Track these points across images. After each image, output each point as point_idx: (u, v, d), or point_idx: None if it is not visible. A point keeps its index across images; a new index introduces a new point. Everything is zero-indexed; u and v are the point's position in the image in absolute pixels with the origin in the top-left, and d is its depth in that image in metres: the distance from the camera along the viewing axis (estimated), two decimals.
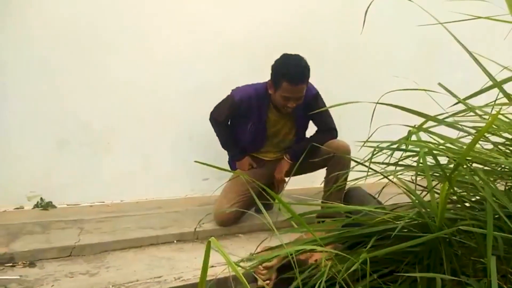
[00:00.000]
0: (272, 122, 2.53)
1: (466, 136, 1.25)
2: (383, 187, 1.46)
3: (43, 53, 2.60)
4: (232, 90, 2.50)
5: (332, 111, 2.51)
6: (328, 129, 2.53)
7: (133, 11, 2.80)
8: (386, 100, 1.34)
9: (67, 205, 2.75)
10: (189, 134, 3.06)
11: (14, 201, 2.63)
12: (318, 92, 2.49)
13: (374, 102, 1.21)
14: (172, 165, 3.04)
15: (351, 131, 2.45)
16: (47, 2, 2.59)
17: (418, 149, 1.15)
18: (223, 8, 3.05)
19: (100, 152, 2.83)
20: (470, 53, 1.18)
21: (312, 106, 2.40)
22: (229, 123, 2.61)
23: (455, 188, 1.24)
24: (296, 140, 2.61)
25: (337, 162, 2.32)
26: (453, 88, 1.41)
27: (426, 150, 1.06)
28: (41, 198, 2.68)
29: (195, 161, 1.29)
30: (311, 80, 2.41)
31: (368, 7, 1.24)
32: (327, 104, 2.45)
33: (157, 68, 2.90)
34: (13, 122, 2.58)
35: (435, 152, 1.10)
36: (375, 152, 1.21)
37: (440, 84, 1.40)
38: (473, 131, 1.30)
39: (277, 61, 2.35)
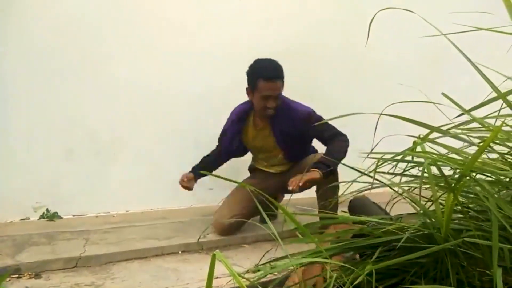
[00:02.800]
0: (250, 135, 2.59)
1: (471, 146, 1.25)
2: (390, 201, 1.45)
3: (49, 63, 2.64)
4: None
5: (336, 121, 2.50)
6: (334, 134, 2.44)
7: (139, 19, 2.83)
8: (391, 109, 1.35)
9: (73, 215, 2.76)
10: (195, 143, 3.06)
11: (21, 212, 2.65)
12: (311, 111, 2.45)
13: (378, 113, 1.21)
14: (178, 175, 3.03)
15: (355, 140, 2.46)
16: (51, 11, 2.62)
17: (422, 160, 1.15)
18: (229, 14, 3.07)
19: (106, 162, 2.85)
20: (474, 65, 1.18)
21: (307, 126, 2.38)
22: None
23: (460, 198, 1.23)
24: (288, 157, 2.61)
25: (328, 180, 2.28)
26: (459, 95, 1.41)
27: (430, 161, 1.06)
28: (47, 209, 2.70)
29: (201, 172, 1.29)
30: (316, 90, 2.41)
31: (372, 19, 1.25)
32: (330, 114, 2.44)
33: (162, 77, 2.93)
34: (20, 132, 2.61)
35: (439, 163, 1.10)
36: (379, 164, 1.21)
37: (444, 94, 1.40)
38: (478, 140, 1.30)
39: (250, 66, 2.44)
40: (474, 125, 1.31)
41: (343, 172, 2.29)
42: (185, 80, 2.99)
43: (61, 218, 2.71)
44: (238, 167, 2.90)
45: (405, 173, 1.36)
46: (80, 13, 2.67)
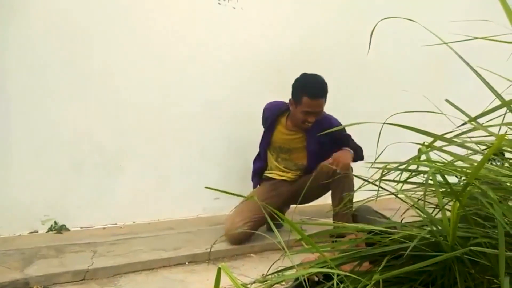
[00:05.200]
0: (280, 135, 2.65)
1: (476, 153, 1.25)
2: (397, 210, 1.45)
3: (56, 78, 2.67)
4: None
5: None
6: (356, 146, 2.59)
7: (143, 32, 2.86)
8: (395, 115, 1.35)
9: (81, 228, 2.77)
10: (200, 154, 3.08)
11: (29, 225, 2.66)
12: (342, 126, 2.51)
13: (381, 123, 1.21)
14: (184, 185, 3.07)
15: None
16: (57, 23, 2.65)
17: (427, 169, 1.15)
18: (231, 23, 3.09)
19: (113, 174, 2.86)
20: (478, 74, 1.18)
21: (336, 136, 2.49)
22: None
23: (465, 205, 1.23)
24: (309, 164, 2.64)
25: (341, 181, 2.35)
26: (464, 100, 1.41)
27: (435, 169, 1.06)
28: (55, 222, 2.71)
29: (206, 187, 1.29)
30: None
31: (374, 29, 1.26)
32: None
33: (167, 89, 2.95)
34: (27, 146, 2.63)
35: (444, 171, 1.10)
36: (384, 173, 1.21)
37: (447, 101, 1.40)
38: (483, 147, 1.30)
39: (297, 79, 2.52)
40: (479, 131, 1.31)
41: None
42: (190, 91, 3.01)
43: (69, 230, 2.72)
44: (247, 176, 2.91)
45: (410, 180, 1.36)
46: (86, 26, 2.70)
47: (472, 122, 1.14)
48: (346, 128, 2.52)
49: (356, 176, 1.42)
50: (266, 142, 2.70)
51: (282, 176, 2.73)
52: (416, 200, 1.39)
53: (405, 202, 1.39)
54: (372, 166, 1.19)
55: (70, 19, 2.68)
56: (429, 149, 1.26)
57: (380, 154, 1.44)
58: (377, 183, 1.32)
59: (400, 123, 1.40)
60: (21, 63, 2.58)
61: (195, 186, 3.04)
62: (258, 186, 2.81)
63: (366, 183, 1.35)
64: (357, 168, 1.67)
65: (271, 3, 3.21)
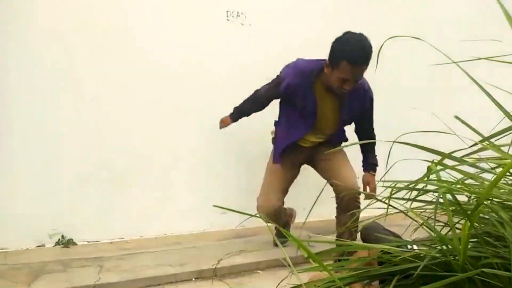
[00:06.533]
0: (319, 101, 2.39)
1: (486, 172, 1.24)
2: (407, 227, 1.44)
3: (63, 94, 2.70)
4: (285, 68, 2.44)
5: (348, 148, 2.53)
6: (373, 134, 2.55)
7: (151, 49, 2.89)
8: (404, 131, 1.34)
9: (88, 242, 2.77)
10: (207, 167, 3.08)
11: (36, 239, 2.67)
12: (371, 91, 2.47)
13: (391, 141, 1.21)
14: (190, 199, 3.06)
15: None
16: (60, 32, 2.68)
17: (437, 188, 1.14)
18: (241, 40, 3.12)
19: (120, 188, 2.87)
20: (488, 94, 1.18)
21: (367, 106, 2.44)
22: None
23: (476, 224, 1.21)
24: (338, 131, 2.53)
25: (348, 206, 2.35)
26: (472, 116, 1.40)
27: (446, 189, 1.05)
28: (62, 236, 2.72)
29: (214, 206, 1.29)
30: None
31: (381, 47, 1.27)
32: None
33: (175, 105, 2.97)
34: (35, 160, 2.65)
35: (454, 191, 1.09)
36: (393, 192, 1.20)
37: (456, 117, 1.39)
38: (493, 165, 1.29)
39: (338, 39, 2.18)
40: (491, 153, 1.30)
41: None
42: (196, 106, 3.02)
43: (76, 244, 2.72)
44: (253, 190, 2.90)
45: (420, 198, 1.35)
46: (95, 40, 2.74)
47: (483, 144, 1.14)
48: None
49: (364, 192, 1.41)
50: (310, 108, 2.38)
51: (305, 143, 2.55)
52: (426, 218, 1.38)
53: (415, 221, 1.38)
54: (382, 185, 1.18)
55: (75, 37, 2.73)
56: (438, 167, 1.26)
57: (388, 170, 1.44)
58: (386, 200, 1.32)
59: (408, 139, 1.40)
60: (26, 77, 2.61)
61: (202, 200, 3.04)
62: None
63: (375, 200, 1.35)
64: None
65: (279, 19, 3.24)
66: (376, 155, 2.55)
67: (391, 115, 3.37)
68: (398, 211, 1.37)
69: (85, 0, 2.72)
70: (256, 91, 2.62)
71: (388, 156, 1.21)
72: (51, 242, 2.70)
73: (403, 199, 1.36)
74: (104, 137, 2.81)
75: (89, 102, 2.76)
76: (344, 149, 2.60)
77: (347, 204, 2.36)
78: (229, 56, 3.10)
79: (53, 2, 2.64)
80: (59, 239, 2.71)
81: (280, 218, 2.60)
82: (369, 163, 2.53)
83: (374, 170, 2.52)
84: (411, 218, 1.37)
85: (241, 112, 2.69)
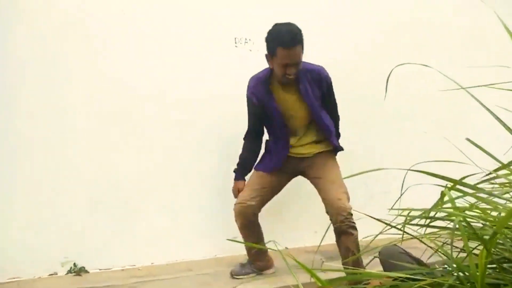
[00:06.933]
0: (281, 100, 2.49)
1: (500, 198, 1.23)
2: (423, 252, 1.42)
3: (73, 118, 2.74)
4: (247, 88, 2.59)
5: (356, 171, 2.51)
6: (337, 115, 2.64)
7: (160, 74, 2.93)
8: (417, 154, 1.34)
9: (99, 269, 2.77)
10: (217, 192, 3.07)
11: (48, 267, 2.67)
12: (322, 68, 2.54)
13: (405, 169, 1.21)
14: (201, 225, 3.05)
15: (386, 195, 2.42)
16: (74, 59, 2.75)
17: (451, 215, 1.14)
18: (249, 66, 3.10)
19: (131, 214, 2.88)
20: (498, 118, 1.19)
21: (328, 88, 2.52)
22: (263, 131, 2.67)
23: (493, 251, 1.20)
24: (315, 117, 2.52)
25: (340, 225, 2.34)
26: (482, 137, 1.38)
27: (461, 218, 1.05)
28: (74, 264, 2.72)
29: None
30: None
31: (390, 75, 1.28)
32: (354, 163, 2.47)
33: (182, 130, 2.98)
34: (45, 186, 2.68)
35: (470, 218, 1.08)
36: (408, 221, 1.19)
37: (468, 140, 1.39)
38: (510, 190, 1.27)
39: (268, 32, 2.36)
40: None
41: (370, 223, 2.28)
42: (207, 131, 3.04)
43: (88, 272, 2.72)
44: (265, 215, 2.88)
45: (434, 224, 1.34)
46: (107, 62, 2.81)
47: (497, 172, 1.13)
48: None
49: (378, 219, 1.41)
50: (276, 113, 2.47)
51: (297, 149, 2.56)
52: (441, 243, 1.36)
53: (430, 247, 1.37)
54: (398, 213, 1.17)
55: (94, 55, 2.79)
56: (452, 192, 1.25)
57: (401, 196, 1.44)
58: (399, 226, 1.31)
59: (419, 160, 1.40)
60: (36, 103, 2.66)
61: (212, 225, 3.02)
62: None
63: (388, 227, 1.34)
64: (379, 210, 1.65)
65: None
66: (339, 135, 2.65)
67: (401, 140, 3.36)
68: (412, 236, 1.36)
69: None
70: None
71: (402, 185, 1.21)
72: (63, 271, 2.70)
73: (417, 225, 1.35)
74: (114, 163, 2.84)
75: (98, 128, 2.80)
76: None
77: (340, 226, 2.34)
78: (238, 82, 3.13)
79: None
80: (71, 267, 2.71)
81: (250, 224, 2.55)
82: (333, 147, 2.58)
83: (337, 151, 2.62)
84: (425, 244, 1.36)
85: (243, 162, 2.68)
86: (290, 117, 2.51)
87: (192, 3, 3.02)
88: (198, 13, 3.02)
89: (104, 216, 2.80)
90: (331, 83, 2.54)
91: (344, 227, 2.33)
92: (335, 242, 2.82)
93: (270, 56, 2.38)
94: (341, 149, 2.62)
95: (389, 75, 1.32)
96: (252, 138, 2.65)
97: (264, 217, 2.83)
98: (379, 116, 3.45)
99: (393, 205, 1.43)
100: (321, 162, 2.54)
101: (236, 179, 2.67)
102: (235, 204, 2.57)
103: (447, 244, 1.33)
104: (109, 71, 2.82)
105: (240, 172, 2.67)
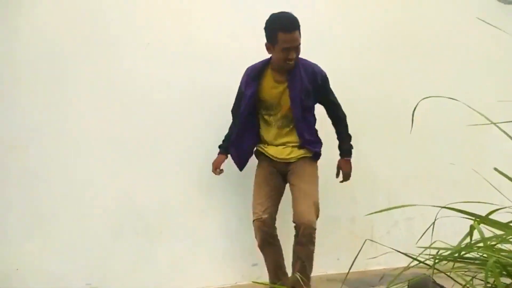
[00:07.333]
0: (267, 87, 2.59)
1: None
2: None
3: (95, 144, 2.80)
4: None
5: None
6: (341, 114, 2.70)
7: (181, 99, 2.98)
8: (445, 188, 1.32)
9: None
10: (238, 217, 3.06)
11: None
12: (326, 75, 2.63)
13: (438, 206, 1.19)
14: (221, 250, 3.04)
15: (409, 222, 2.36)
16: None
17: (483, 252, 1.11)
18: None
19: (151, 240, 2.89)
20: None
21: (322, 84, 2.59)
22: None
23: None
24: (296, 116, 2.58)
25: (300, 237, 2.46)
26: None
27: (494, 258, 1.02)
28: None
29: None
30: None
31: (415, 109, 1.28)
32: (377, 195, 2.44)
33: (200, 155, 2.98)
34: (67, 215, 2.72)
35: (502, 258, 1.06)
36: (437, 261, 1.17)
37: (496, 170, 1.37)
38: None
39: (267, 21, 2.49)
40: None
41: (395, 257, 2.24)
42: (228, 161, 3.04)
43: None
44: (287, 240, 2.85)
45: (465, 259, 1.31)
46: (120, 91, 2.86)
47: None
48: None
49: (405, 253, 1.38)
50: (250, 98, 2.59)
51: (275, 153, 2.65)
52: (470, 278, 1.33)
53: (459, 283, 1.33)
54: (428, 252, 1.15)
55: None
56: (480, 226, 1.22)
57: (427, 230, 1.41)
58: (428, 261, 1.28)
59: (450, 191, 1.37)
60: (59, 129, 2.73)
61: (232, 251, 3.01)
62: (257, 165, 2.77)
63: (418, 263, 1.31)
64: (403, 238, 1.63)
65: None
66: (349, 136, 2.71)
67: (428, 172, 3.29)
68: (439, 271, 1.33)
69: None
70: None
71: (434, 222, 1.19)
72: None
73: (447, 259, 1.32)
74: (135, 190, 2.87)
75: (120, 156, 2.84)
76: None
77: (300, 237, 2.48)
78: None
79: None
80: None
81: (270, 240, 2.59)
82: (343, 149, 2.70)
83: (349, 155, 2.70)
84: (455, 280, 1.33)
85: (227, 139, 2.79)
86: (271, 106, 2.61)
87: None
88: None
89: (125, 242, 2.82)
90: (326, 79, 2.63)
91: (303, 240, 2.47)
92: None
93: (270, 44, 2.48)
94: (319, 156, 2.68)
95: (414, 108, 1.32)
96: (237, 121, 2.73)
97: (285, 243, 2.81)
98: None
99: (420, 238, 1.40)
100: (300, 170, 2.61)
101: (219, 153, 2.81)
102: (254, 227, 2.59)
103: (476, 278, 1.30)
104: (132, 101, 2.88)
105: (223, 147, 2.80)
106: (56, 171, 2.73)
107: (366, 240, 1.48)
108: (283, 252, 2.65)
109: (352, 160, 2.74)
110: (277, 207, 2.66)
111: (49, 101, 2.74)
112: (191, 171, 2.99)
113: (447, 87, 3.18)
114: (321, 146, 2.71)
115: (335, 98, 2.70)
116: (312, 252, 2.51)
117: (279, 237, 2.66)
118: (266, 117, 2.67)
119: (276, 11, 2.54)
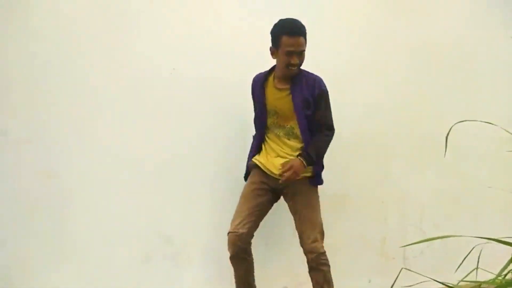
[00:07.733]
0: (270, 93, 2.58)
1: None
2: None
3: (120, 176, 2.81)
4: None
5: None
6: (328, 126, 2.57)
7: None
8: (484, 210, 1.26)
9: None
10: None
11: None
12: (326, 90, 2.57)
13: (472, 236, 1.14)
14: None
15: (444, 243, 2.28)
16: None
17: None
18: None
19: (181, 264, 2.89)
20: None
21: (317, 98, 2.52)
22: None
23: None
24: (301, 126, 2.55)
25: (310, 262, 2.50)
26: None
27: None
28: None
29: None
30: None
31: (448, 133, 1.24)
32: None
33: (230, 178, 2.98)
34: (96, 240, 2.74)
35: None
36: None
37: None
38: None
39: (274, 25, 2.51)
40: None
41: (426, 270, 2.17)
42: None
43: None
44: None
45: None
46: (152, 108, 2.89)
47: None
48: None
49: (442, 283, 1.33)
50: (260, 105, 2.59)
51: (272, 172, 2.57)
52: None
53: None
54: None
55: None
56: None
57: (466, 257, 1.34)
58: None
59: (483, 207, 1.31)
60: (86, 156, 2.75)
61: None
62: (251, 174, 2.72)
63: None
64: (441, 267, 1.56)
65: None
66: (322, 148, 2.54)
67: (463, 193, 3.19)
68: None
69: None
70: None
71: (479, 258, 1.14)
72: None
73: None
74: (165, 214, 2.88)
75: (147, 179, 2.85)
76: None
77: (311, 264, 2.51)
78: None
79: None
80: None
81: (242, 255, 2.57)
82: (307, 151, 2.50)
83: (307, 159, 2.49)
84: None
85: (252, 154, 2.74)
86: (274, 112, 2.58)
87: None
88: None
89: (155, 267, 2.82)
90: (323, 94, 2.55)
91: (313, 264, 2.49)
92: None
93: (274, 48, 2.49)
94: (320, 182, 2.61)
95: (448, 132, 1.28)
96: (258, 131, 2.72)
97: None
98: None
99: (458, 267, 1.34)
100: (300, 194, 2.57)
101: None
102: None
103: None
104: (166, 128, 2.90)
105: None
106: (84, 198, 2.75)
107: (402, 268, 1.42)
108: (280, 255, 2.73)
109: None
110: (258, 224, 2.63)
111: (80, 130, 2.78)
112: (221, 195, 2.98)
113: (482, 109, 3.11)
114: (322, 169, 2.63)
115: (328, 116, 2.59)
116: (328, 271, 2.51)
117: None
118: (267, 125, 2.65)
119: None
